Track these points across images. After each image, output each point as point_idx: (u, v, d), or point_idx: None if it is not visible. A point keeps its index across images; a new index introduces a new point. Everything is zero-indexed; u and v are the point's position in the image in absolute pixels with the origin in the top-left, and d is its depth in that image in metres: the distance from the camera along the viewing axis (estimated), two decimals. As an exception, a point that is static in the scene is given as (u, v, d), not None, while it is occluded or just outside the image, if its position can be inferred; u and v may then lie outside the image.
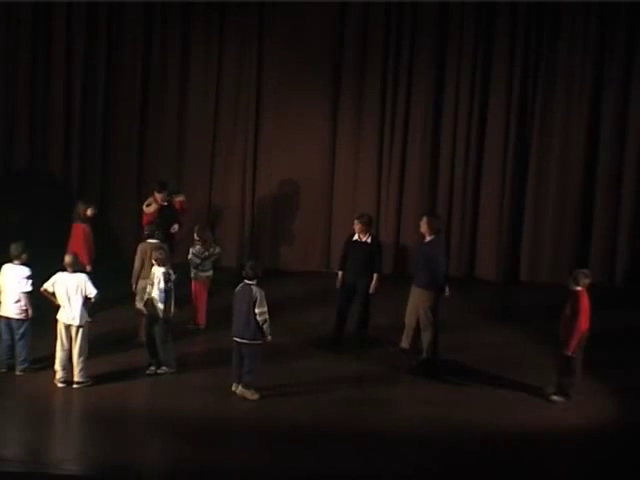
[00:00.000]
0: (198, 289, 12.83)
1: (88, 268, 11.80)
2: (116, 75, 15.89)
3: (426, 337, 11.69)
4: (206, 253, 12.87)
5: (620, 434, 10.12)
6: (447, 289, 11.64)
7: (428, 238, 11.76)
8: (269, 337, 10.50)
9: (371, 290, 12.16)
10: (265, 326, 10.43)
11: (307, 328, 12.97)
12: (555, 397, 10.69)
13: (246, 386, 10.55)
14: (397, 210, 15.83)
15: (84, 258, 11.72)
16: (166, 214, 13.39)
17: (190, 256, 12.81)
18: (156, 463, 9.39)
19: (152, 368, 11.07)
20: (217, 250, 13.04)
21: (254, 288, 10.47)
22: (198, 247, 12.85)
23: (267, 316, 10.44)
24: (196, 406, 10.47)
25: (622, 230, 15.65)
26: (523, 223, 15.85)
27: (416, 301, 11.67)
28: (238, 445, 9.63)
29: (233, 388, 10.61)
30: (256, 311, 10.39)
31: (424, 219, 11.92)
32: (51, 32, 15.72)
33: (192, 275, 12.84)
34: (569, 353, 10.45)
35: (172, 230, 13.32)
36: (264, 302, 10.43)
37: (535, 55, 15.54)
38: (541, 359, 11.52)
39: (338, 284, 12.42)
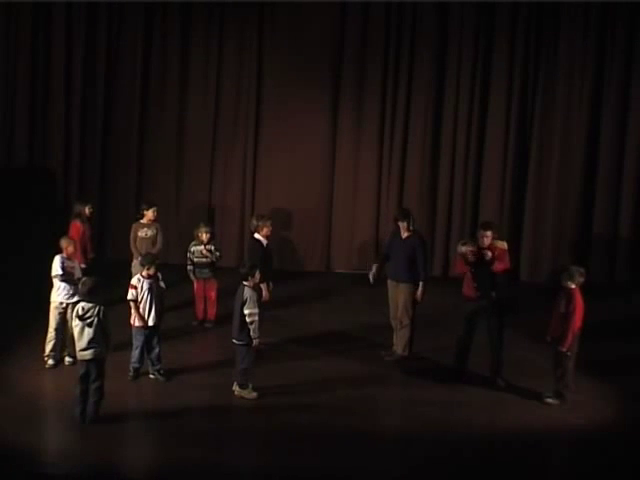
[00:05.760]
0: (212, 287, 12.91)
1: (82, 265, 11.84)
2: (116, 75, 15.90)
3: (405, 333, 11.78)
4: (218, 253, 12.95)
5: (620, 434, 10.11)
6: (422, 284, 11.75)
7: (407, 234, 11.82)
8: (255, 340, 10.44)
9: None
10: (252, 327, 10.38)
11: (307, 328, 12.97)
12: (550, 400, 10.68)
13: (241, 386, 10.56)
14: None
15: (77, 255, 11.76)
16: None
17: (209, 256, 12.86)
18: (156, 463, 9.38)
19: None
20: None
21: (246, 289, 10.47)
22: (213, 246, 12.94)
23: (256, 318, 10.37)
24: (196, 406, 10.47)
25: (622, 230, 15.65)
26: (523, 223, 15.86)
27: (398, 297, 11.75)
28: (238, 445, 9.62)
29: (233, 388, 10.62)
30: (244, 312, 10.38)
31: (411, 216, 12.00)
32: (51, 32, 15.73)
33: (204, 275, 12.90)
34: (564, 349, 10.46)
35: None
36: (253, 303, 10.39)
37: (535, 55, 15.56)
38: (541, 359, 11.51)
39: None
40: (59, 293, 11.16)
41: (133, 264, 12.86)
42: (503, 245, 11.35)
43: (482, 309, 11.08)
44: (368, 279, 11.98)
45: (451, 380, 11.18)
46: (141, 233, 13.11)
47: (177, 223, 15.99)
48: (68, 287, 11.10)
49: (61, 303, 11.13)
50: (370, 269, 12.04)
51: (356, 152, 16.03)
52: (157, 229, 13.18)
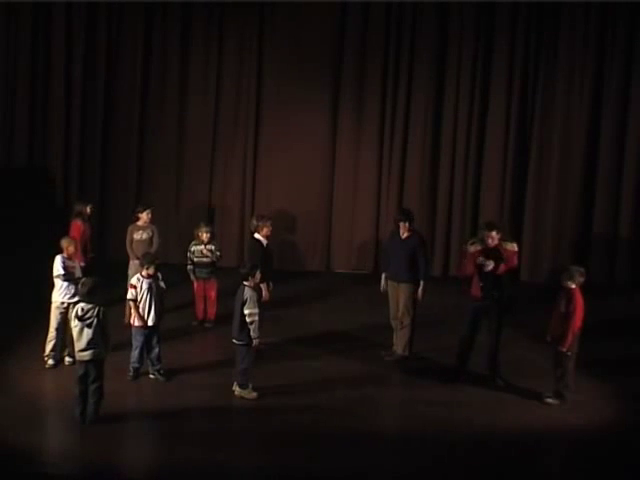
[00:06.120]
0: (212, 287, 12.91)
1: (81, 264, 11.82)
2: (116, 75, 15.90)
3: (405, 333, 11.78)
4: (218, 253, 12.96)
5: (620, 434, 10.10)
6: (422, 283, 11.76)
7: (407, 234, 11.80)
8: (255, 340, 10.44)
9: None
10: (252, 327, 10.38)
11: (307, 328, 12.97)
12: (550, 400, 10.67)
13: (241, 386, 10.56)
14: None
15: (77, 254, 11.76)
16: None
17: (209, 256, 12.87)
18: (156, 463, 9.38)
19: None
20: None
21: (246, 289, 10.47)
22: (213, 246, 12.94)
23: (256, 318, 10.36)
24: (196, 406, 10.46)
25: (622, 230, 15.65)
26: (523, 223, 15.86)
27: (398, 297, 11.75)
28: (238, 445, 9.62)
29: (233, 388, 10.62)
30: (245, 312, 10.39)
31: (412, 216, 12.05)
32: (51, 32, 15.73)
33: (204, 275, 12.90)
34: (564, 349, 10.45)
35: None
36: (253, 303, 10.39)
37: (535, 55, 15.56)
38: (541, 359, 11.51)
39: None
40: (60, 293, 11.15)
41: (129, 266, 12.81)
42: (513, 247, 11.31)
43: (487, 309, 11.08)
44: (368, 278, 11.98)
45: (451, 380, 11.18)
46: (137, 235, 12.98)
47: (177, 223, 15.99)
48: (69, 287, 11.10)
49: (62, 303, 11.12)
50: (365, 269, 11.99)
51: (356, 152, 16.03)
52: (153, 231, 13.04)
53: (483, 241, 11.18)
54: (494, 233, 11.12)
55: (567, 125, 15.66)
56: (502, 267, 11.05)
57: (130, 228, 13.07)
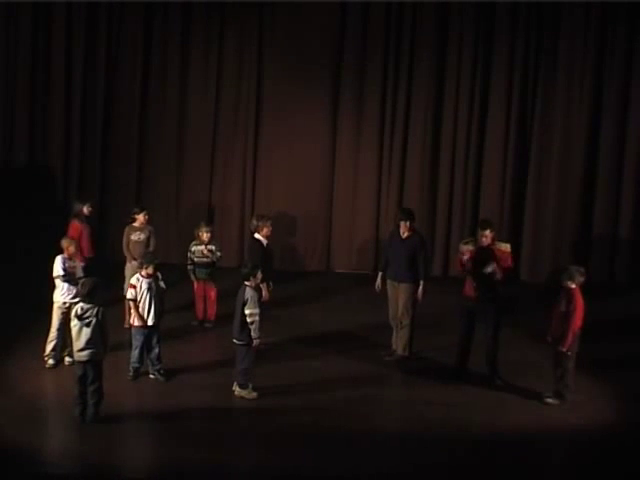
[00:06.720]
0: (212, 287, 12.90)
1: (82, 264, 11.79)
2: (116, 75, 15.90)
3: (405, 333, 11.78)
4: (218, 253, 12.96)
5: (620, 434, 10.10)
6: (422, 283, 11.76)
7: (407, 234, 11.79)
8: (256, 340, 10.45)
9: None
10: (252, 327, 10.39)
11: (307, 328, 12.97)
12: (550, 400, 10.68)
13: (241, 386, 10.56)
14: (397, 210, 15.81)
15: (79, 255, 11.74)
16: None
17: (209, 256, 12.87)
18: (156, 463, 9.38)
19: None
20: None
21: (247, 289, 10.47)
22: (213, 246, 12.93)
23: (256, 318, 10.37)
24: (196, 406, 10.46)
25: (622, 230, 15.65)
26: (523, 223, 15.86)
27: (398, 297, 11.75)
28: (238, 445, 9.62)
29: (233, 388, 10.62)
30: (245, 312, 10.39)
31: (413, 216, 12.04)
32: (51, 32, 15.72)
33: (204, 275, 12.89)
34: (564, 349, 10.46)
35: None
36: (254, 304, 10.40)
37: (535, 55, 15.55)
38: (541, 359, 11.51)
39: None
40: (62, 293, 11.14)
41: (126, 267, 12.77)
42: (507, 248, 11.31)
43: (481, 309, 11.09)
44: (368, 278, 11.98)
45: (451, 379, 11.19)
46: (134, 237, 12.90)
47: (177, 223, 15.99)
48: (71, 287, 11.09)
49: (64, 303, 11.10)
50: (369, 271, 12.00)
51: (356, 152, 16.03)
52: (150, 232, 12.96)
53: (476, 241, 11.19)
54: (487, 232, 11.13)
55: (567, 125, 15.66)
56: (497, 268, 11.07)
57: (127, 229, 13.00)
